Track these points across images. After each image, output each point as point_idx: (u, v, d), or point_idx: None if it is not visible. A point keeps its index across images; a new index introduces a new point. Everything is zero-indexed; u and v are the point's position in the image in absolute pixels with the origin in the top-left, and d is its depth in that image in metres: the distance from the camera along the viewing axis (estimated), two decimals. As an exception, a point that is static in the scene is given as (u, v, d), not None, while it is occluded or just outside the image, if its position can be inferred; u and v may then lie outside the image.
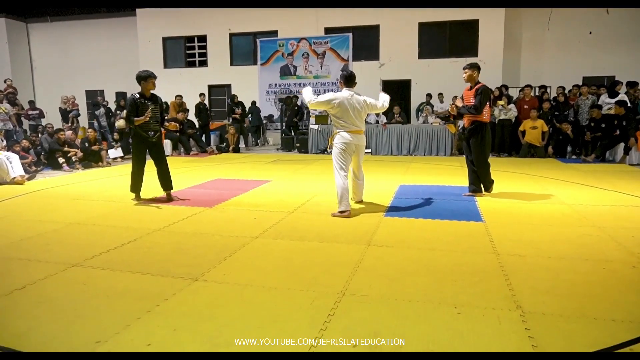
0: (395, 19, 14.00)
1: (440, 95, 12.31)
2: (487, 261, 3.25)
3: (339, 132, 4.72)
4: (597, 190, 5.98)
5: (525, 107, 10.23)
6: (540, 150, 9.84)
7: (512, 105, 10.37)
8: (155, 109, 5.36)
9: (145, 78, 5.31)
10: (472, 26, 13.63)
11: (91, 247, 3.67)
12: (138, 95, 5.29)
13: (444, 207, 5.05)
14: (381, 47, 14.23)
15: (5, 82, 12.23)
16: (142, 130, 5.30)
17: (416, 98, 13.81)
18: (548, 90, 11.19)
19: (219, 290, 2.78)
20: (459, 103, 5.58)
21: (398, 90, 14.19)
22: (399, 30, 14.03)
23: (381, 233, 4.01)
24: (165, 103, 11.43)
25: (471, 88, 5.45)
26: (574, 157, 9.69)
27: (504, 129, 10.28)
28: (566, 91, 10.95)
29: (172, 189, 5.61)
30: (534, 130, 9.84)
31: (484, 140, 5.44)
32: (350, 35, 13.42)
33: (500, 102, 10.34)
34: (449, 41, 13.94)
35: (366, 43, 14.18)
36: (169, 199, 5.53)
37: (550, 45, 13.83)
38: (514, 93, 11.94)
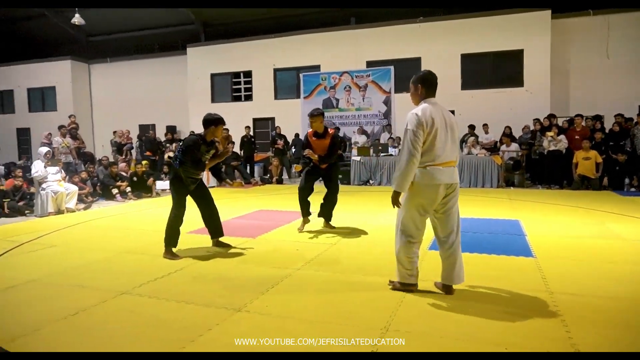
0: (437, 51, 14.04)
1: (485, 125, 12.09)
2: (540, 299, 3.08)
3: (423, 166, 3.04)
4: (660, 225, 5.59)
5: (577, 137, 9.85)
6: (594, 182, 9.36)
7: (562, 136, 10.02)
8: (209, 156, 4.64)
9: (217, 123, 4.56)
10: (516, 56, 13.43)
11: (139, 276, 3.79)
12: (201, 140, 4.52)
13: (491, 241, 4.87)
14: (423, 79, 14.24)
15: (69, 117, 13.14)
16: (186, 176, 4.50)
17: (460, 129, 13.60)
18: (602, 119, 10.74)
19: (260, 322, 2.78)
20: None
21: (441, 121, 14.05)
22: (441, 62, 14.02)
23: (425, 267, 3.90)
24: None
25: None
26: (632, 189, 9.14)
27: (554, 161, 9.91)
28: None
29: (222, 235, 4.80)
30: (586, 161, 9.42)
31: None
32: (392, 68, 13.54)
33: (550, 133, 10.03)
34: (492, 72, 13.77)
35: (408, 75, 13.84)
36: (219, 245, 4.76)
37: (601, 73, 13.35)
38: (562, 123, 11.54)
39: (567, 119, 11.11)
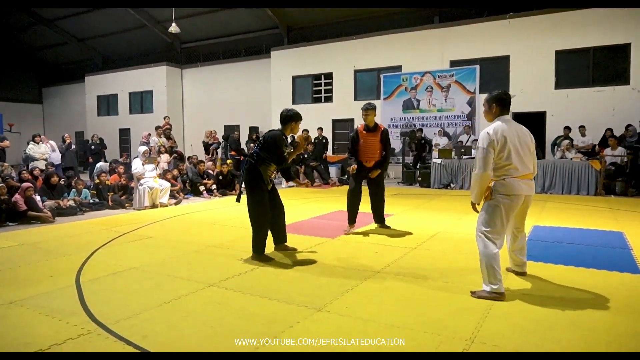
0: (527, 48, 13.17)
1: (582, 127, 11.13)
2: (650, 322, 2.76)
3: (501, 179, 3.25)
4: None
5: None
6: None
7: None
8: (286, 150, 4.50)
9: (297, 119, 4.55)
10: (621, 51, 12.19)
11: (225, 269, 3.99)
12: (283, 136, 4.45)
13: (589, 254, 4.47)
14: (511, 78, 13.43)
15: (164, 119, 14.20)
16: (266, 175, 4.40)
17: (552, 131, 12.64)
18: None
19: (341, 323, 2.79)
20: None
21: (531, 123, 13.18)
22: (532, 59, 13.14)
23: (514, 277, 3.68)
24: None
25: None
26: None
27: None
28: None
29: (286, 241, 4.73)
30: None
31: None
32: (477, 67, 12.97)
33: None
34: (592, 69, 12.62)
35: (495, 74, 13.52)
36: (283, 249, 4.67)
37: None
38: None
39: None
